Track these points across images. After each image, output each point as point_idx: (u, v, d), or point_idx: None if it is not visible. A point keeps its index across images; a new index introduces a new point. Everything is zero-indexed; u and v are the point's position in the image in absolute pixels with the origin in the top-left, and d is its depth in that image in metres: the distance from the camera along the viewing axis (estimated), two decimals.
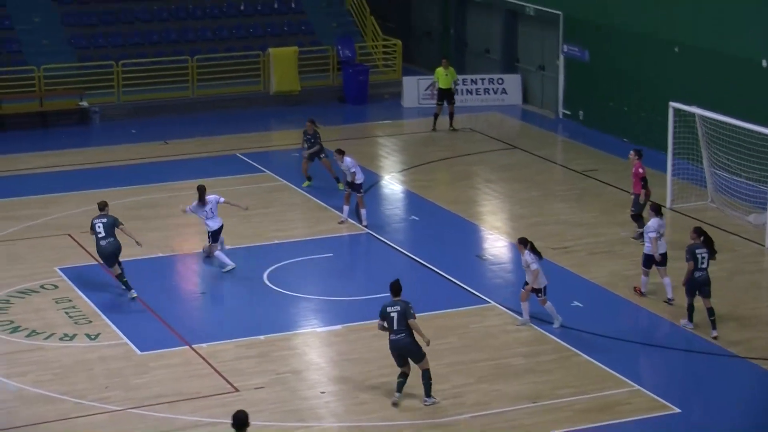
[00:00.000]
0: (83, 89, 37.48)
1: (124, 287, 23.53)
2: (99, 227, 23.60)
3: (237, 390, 19.69)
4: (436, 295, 23.73)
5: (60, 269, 24.84)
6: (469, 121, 36.76)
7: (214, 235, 25.18)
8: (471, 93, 39.15)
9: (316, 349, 21.60)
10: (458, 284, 24.21)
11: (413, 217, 28.74)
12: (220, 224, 25.18)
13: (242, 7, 41.63)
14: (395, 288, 19.20)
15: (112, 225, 23.65)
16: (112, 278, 23.81)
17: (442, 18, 43.32)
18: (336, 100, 39.66)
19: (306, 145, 30.14)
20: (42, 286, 24.07)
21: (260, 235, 26.99)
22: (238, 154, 33.34)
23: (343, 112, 38.60)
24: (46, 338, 21.67)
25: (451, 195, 30.01)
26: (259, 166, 32.01)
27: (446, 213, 28.69)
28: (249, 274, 24.82)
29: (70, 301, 23.35)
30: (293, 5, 42.35)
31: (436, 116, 35.89)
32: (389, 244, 26.54)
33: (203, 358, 20.82)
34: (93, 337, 21.72)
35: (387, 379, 19.81)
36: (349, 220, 27.58)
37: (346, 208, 27.61)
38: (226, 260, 25.03)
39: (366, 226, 27.33)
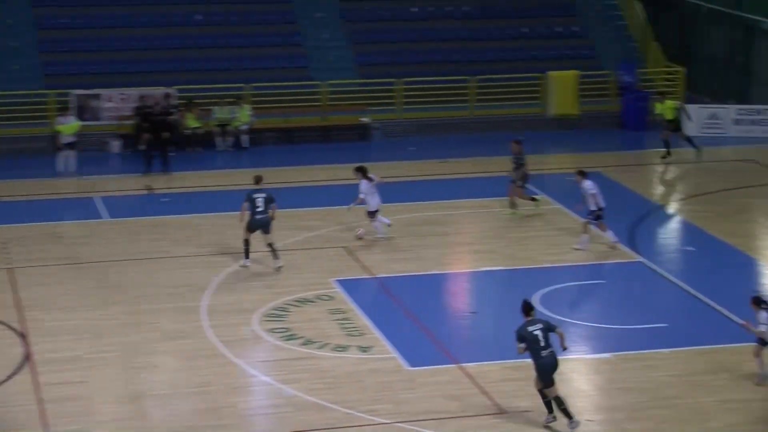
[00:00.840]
0: (365, 105, 38.37)
1: (272, 255, 25.82)
2: (259, 201, 25.68)
3: (503, 412, 19.73)
4: (708, 328, 23.20)
5: (335, 281, 25.48)
6: (753, 153, 35.83)
7: (374, 214, 27.36)
8: (755, 124, 38.15)
9: (584, 375, 21.41)
10: (732, 319, 23.59)
11: (688, 247, 28.19)
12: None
13: (525, 30, 41.79)
14: (528, 307, 18.93)
15: (269, 200, 25.75)
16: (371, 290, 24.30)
17: (729, 46, 42.33)
18: (614, 126, 39.32)
19: (513, 166, 29.93)
20: (318, 297, 24.76)
21: (533, 258, 26.99)
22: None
23: (621, 138, 38.24)
24: (320, 348, 22.24)
25: (729, 227, 29.26)
26: (535, 189, 31.98)
27: (723, 245, 28.02)
28: (521, 296, 24.70)
29: (344, 313, 23.90)
30: (576, 29, 42.24)
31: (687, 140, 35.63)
32: (663, 274, 26.10)
33: (470, 377, 20.97)
34: (365, 349, 22.19)
35: (660, 411, 19.48)
36: (620, 245, 27.30)
37: (605, 233, 27.28)
38: (386, 220, 27.71)
39: (578, 248, 27.08)
